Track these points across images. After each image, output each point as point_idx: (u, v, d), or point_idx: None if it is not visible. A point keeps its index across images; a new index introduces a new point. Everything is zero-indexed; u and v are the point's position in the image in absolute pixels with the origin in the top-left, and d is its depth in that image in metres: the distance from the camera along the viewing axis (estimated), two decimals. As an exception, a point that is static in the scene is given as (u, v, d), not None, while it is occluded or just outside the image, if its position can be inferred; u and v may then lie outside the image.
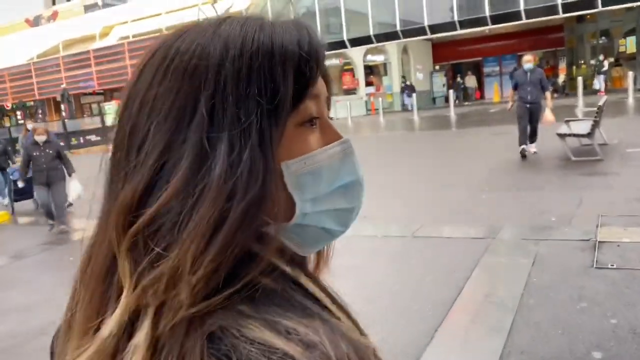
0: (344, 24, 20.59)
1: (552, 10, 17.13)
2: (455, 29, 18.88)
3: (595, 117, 8.12)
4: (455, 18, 18.58)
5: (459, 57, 30.85)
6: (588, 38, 22.66)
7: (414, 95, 20.49)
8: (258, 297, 0.43)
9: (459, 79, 23.76)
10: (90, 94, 31.05)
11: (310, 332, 0.40)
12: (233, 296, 0.42)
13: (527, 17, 17.54)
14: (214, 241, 0.42)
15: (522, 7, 17.41)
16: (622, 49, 20.46)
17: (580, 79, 16.77)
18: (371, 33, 20.11)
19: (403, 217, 5.97)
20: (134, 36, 27.45)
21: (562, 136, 8.30)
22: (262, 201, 0.45)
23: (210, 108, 0.45)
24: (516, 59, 30.13)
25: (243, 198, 0.43)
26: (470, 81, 24.42)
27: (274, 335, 0.39)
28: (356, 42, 20.73)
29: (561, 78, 25.27)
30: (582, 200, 5.61)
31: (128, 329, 0.42)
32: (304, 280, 0.49)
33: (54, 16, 33.06)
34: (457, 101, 21.40)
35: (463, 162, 8.71)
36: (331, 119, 0.58)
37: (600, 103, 8.95)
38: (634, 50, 19.82)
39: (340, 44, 20.98)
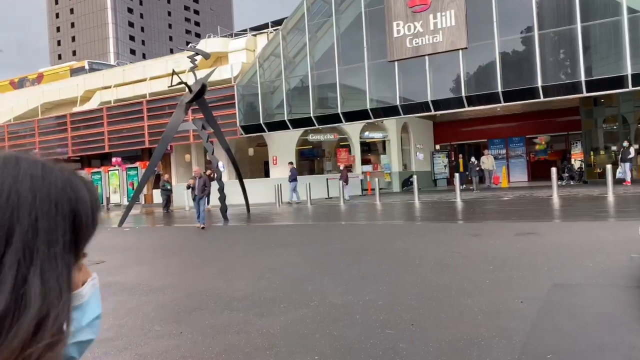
0: (338, 96, 18.62)
1: (574, 88, 15.11)
2: (463, 106, 16.84)
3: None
4: (463, 94, 16.58)
5: (462, 138, 29.02)
6: (608, 122, 20.64)
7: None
8: None
9: (473, 160, 20.95)
10: (66, 160, 28.89)
11: None
12: None
13: (545, 96, 15.51)
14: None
15: (539, 83, 15.42)
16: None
17: (609, 167, 14.40)
18: (368, 107, 18.08)
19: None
20: (115, 101, 25.68)
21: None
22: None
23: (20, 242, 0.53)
24: (524, 141, 28.30)
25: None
26: (488, 162, 21.51)
27: None
28: (351, 116, 18.67)
29: (576, 164, 23.07)
30: None
31: None
32: None
33: (39, 79, 31.63)
34: (463, 185, 18.96)
35: (486, 291, 6.02)
36: None
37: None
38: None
39: (334, 118, 18.90)
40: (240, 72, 21.48)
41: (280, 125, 19.91)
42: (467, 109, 17.00)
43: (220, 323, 4.94)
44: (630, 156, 18.17)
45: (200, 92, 15.59)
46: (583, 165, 22.53)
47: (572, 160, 23.56)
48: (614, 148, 19.60)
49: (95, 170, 25.97)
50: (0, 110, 30.42)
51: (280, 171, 22.19)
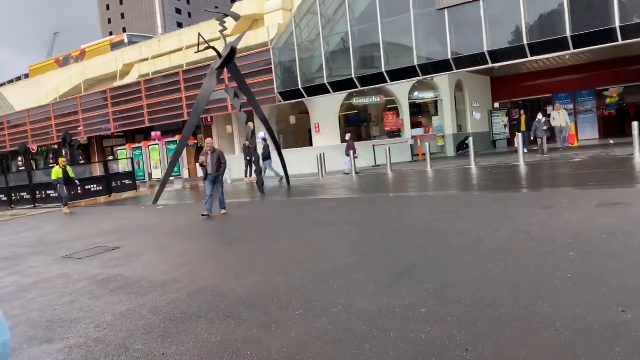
0: (382, 53, 16.87)
1: (661, 27, 12.72)
2: (525, 56, 14.71)
3: None
4: (525, 41, 14.45)
5: (523, 94, 26.41)
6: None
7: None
8: None
9: (540, 117, 17.49)
10: (109, 136, 28.77)
11: None
12: None
13: (625, 38, 13.18)
14: None
15: (617, 23, 13.09)
16: None
17: None
18: (415, 63, 16.24)
19: None
20: (153, 74, 24.97)
21: None
22: None
23: None
24: (594, 94, 25.40)
25: None
26: (560, 118, 17.86)
27: None
28: (397, 75, 16.91)
29: (658, 117, 20.25)
30: None
31: None
32: None
33: (81, 56, 31.49)
34: (526, 148, 16.86)
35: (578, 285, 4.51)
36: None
37: None
38: None
39: (378, 78, 17.22)
40: (277, 34, 20.03)
41: (320, 90, 18.46)
42: (529, 59, 14.86)
43: (215, 340, 3.82)
44: None
45: (230, 56, 14.35)
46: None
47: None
48: None
49: (136, 145, 25.55)
50: (48, 89, 30.63)
51: (324, 139, 20.85)
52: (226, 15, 15.33)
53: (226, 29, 15.19)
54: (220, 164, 10.56)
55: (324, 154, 19.32)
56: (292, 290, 4.80)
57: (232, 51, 14.37)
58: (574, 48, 14.02)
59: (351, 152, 17.22)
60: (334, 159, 20.89)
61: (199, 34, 14.68)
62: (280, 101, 19.72)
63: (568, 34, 13.79)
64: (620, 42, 13.43)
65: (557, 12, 14.15)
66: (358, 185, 14.57)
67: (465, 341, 3.27)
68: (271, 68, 19.49)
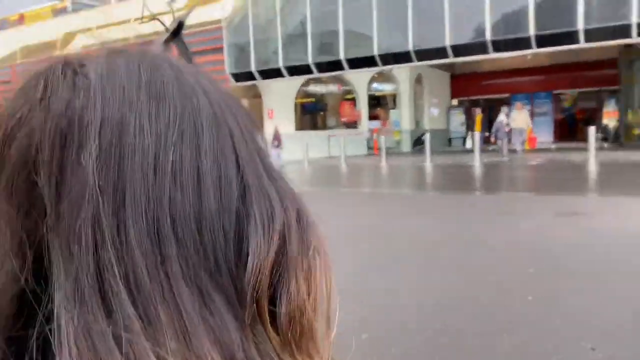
0: (341, 40, 16.03)
1: (622, 32, 12.43)
2: (487, 52, 14.20)
3: None
4: (488, 37, 13.94)
5: (482, 93, 26.23)
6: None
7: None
8: None
9: (502, 117, 16.24)
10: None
11: None
12: None
13: (587, 40, 12.85)
14: None
15: (581, 26, 12.73)
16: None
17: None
18: (375, 53, 15.49)
19: None
20: (99, 45, 23.22)
21: None
22: None
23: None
24: (551, 97, 25.51)
25: None
26: (520, 119, 16.57)
27: None
28: (356, 63, 16.12)
29: (611, 123, 20.43)
30: None
31: None
32: None
33: (20, 21, 29.09)
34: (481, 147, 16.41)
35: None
36: None
37: None
38: None
39: (336, 65, 16.37)
40: (232, 11, 18.83)
41: (275, 73, 17.44)
42: (491, 55, 14.38)
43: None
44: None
45: (177, 30, 13.13)
46: (618, 125, 19.91)
47: (606, 120, 20.88)
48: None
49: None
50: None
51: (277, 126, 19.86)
52: (174, -15, 14.11)
53: (175, 0, 13.96)
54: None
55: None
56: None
57: (179, 25, 13.07)
58: (537, 47, 13.60)
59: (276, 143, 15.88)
60: (286, 147, 19.98)
61: (143, 2, 13.40)
62: (232, 83, 18.58)
63: (531, 32, 13.35)
64: (582, 44, 13.11)
65: (521, 10, 13.68)
66: (305, 176, 13.76)
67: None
68: (223, 47, 18.30)
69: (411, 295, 3.97)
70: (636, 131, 18.11)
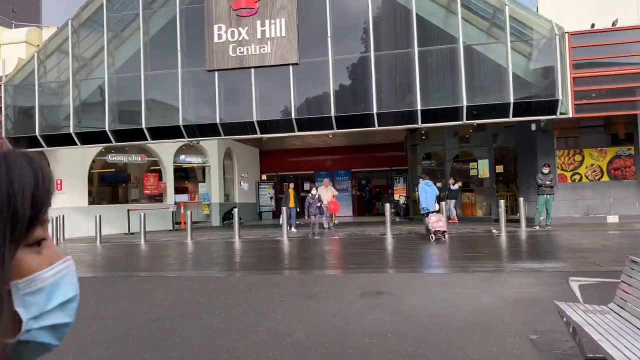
0: (143, 107, 14.98)
1: (411, 118, 13.91)
2: (293, 130, 14.57)
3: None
4: (293, 116, 14.36)
5: (289, 169, 27.23)
6: (434, 158, 20.45)
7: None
8: None
9: (314, 192, 15.30)
10: None
11: None
12: None
13: (380, 124, 14.05)
14: None
15: (375, 110, 13.92)
16: (473, 172, 18.27)
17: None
18: (180, 123, 14.77)
19: None
20: None
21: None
22: None
23: None
24: (350, 175, 27.60)
25: None
26: (327, 195, 16.58)
27: None
28: (160, 133, 15.14)
29: (402, 199, 22.63)
30: None
31: None
32: None
33: None
34: (291, 227, 16.44)
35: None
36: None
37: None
38: (487, 174, 17.64)
39: (137, 135, 15.16)
40: (15, 69, 16.45)
41: (65, 140, 15.41)
42: (297, 133, 14.80)
43: None
44: (454, 193, 17.91)
45: None
46: (407, 201, 22.13)
47: (397, 196, 23.12)
48: (438, 184, 19.28)
49: None
50: None
51: (67, 199, 17.41)
52: None
53: None
54: None
55: (63, 216, 15.99)
56: None
57: None
58: (337, 128, 14.43)
59: None
60: (77, 223, 17.55)
61: None
62: (9, 147, 15.88)
63: (332, 114, 14.16)
64: (376, 127, 14.30)
65: (323, 95, 14.52)
66: (95, 258, 11.97)
67: None
68: (0, 107, 15.71)
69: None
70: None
